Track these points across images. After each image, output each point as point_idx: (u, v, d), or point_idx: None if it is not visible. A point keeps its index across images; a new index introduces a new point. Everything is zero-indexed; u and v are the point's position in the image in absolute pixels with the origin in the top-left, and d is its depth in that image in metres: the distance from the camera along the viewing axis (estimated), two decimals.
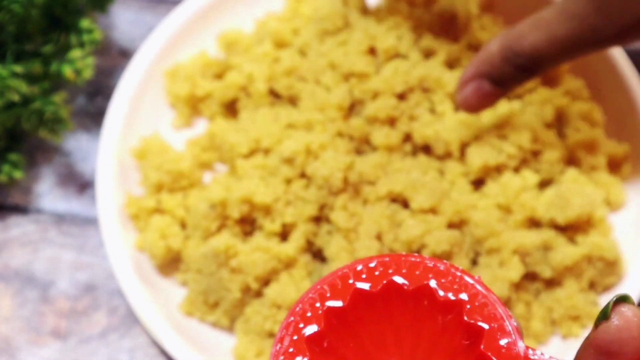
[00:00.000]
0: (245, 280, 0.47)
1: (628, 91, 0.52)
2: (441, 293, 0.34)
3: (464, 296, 0.34)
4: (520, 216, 0.48)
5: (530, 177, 0.49)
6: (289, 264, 0.48)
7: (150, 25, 0.60)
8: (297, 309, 0.33)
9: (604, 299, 0.48)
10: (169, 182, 0.51)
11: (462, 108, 0.47)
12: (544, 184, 0.51)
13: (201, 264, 0.48)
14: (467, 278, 0.34)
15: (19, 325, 0.52)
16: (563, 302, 0.47)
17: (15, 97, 0.50)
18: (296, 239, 0.48)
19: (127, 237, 0.50)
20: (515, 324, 0.32)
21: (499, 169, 0.50)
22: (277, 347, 0.32)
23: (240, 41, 0.55)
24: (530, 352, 0.32)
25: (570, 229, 0.49)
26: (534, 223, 0.49)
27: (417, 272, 0.34)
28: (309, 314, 0.33)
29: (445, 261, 0.34)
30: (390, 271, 0.34)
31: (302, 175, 0.49)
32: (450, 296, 0.34)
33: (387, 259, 0.34)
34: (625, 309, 0.25)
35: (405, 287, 0.34)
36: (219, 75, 0.55)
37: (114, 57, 0.60)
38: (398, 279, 0.34)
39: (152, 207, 0.51)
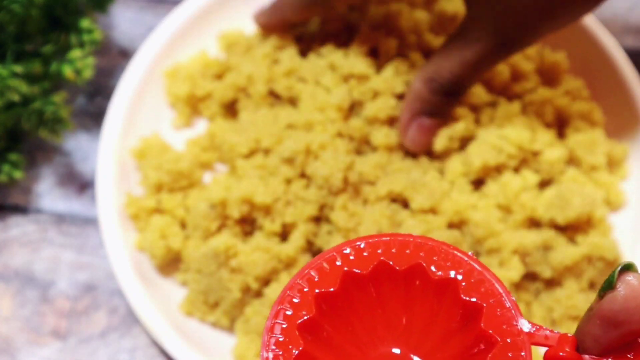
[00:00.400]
0: (246, 280, 0.47)
1: (628, 91, 0.52)
2: (434, 271, 0.32)
3: (458, 274, 0.32)
4: (520, 216, 0.48)
5: (530, 177, 0.49)
6: (289, 264, 0.48)
7: (150, 26, 0.60)
8: (286, 295, 0.32)
9: None
10: (169, 181, 0.51)
11: (413, 149, 0.50)
12: (544, 184, 0.51)
13: (201, 264, 0.48)
14: (460, 254, 0.32)
15: (19, 325, 0.52)
16: (563, 302, 0.47)
17: (16, 97, 0.50)
18: (296, 239, 0.48)
19: (127, 237, 0.50)
20: (514, 299, 0.31)
21: (498, 169, 0.50)
22: (268, 337, 0.31)
23: (241, 42, 0.55)
24: (532, 326, 0.31)
25: (570, 229, 0.49)
26: (534, 223, 0.49)
27: (407, 251, 0.33)
28: (297, 300, 0.32)
29: (435, 239, 0.33)
30: (379, 251, 0.33)
31: (302, 175, 0.49)
32: (444, 274, 0.32)
33: (376, 239, 0.33)
34: (631, 278, 0.25)
35: (397, 268, 0.33)
36: (219, 76, 0.55)
37: (114, 57, 0.60)
38: (388, 260, 0.33)
39: (152, 207, 0.51)
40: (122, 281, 0.49)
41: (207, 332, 0.49)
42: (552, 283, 0.48)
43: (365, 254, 0.33)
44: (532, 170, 0.50)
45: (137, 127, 0.54)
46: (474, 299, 0.32)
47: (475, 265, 0.32)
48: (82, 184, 0.56)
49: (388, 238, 0.33)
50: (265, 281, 0.48)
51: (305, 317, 0.32)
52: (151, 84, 0.55)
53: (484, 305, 0.31)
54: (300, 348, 0.31)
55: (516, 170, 0.50)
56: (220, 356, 0.48)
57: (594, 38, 0.54)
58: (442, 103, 0.48)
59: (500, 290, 0.32)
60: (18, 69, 0.51)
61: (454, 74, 0.47)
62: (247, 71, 0.54)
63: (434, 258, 0.33)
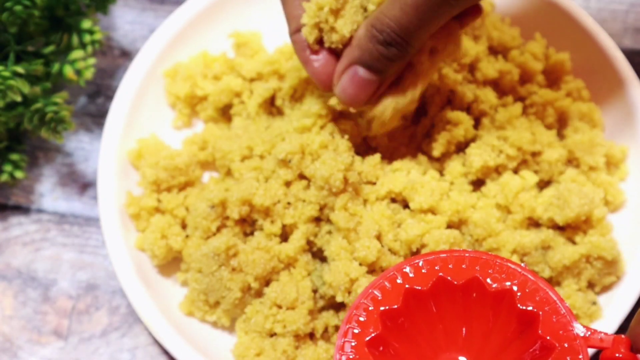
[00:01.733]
0: (246, 280, 0.47)
1: (626, 92, 0.52)
2: (490, 283, 0.34)
3: (513, 284, 0.34)
4: (519, 216, 0.49)
5: (529, 177, 0.50)
6: (289, 264, 0.48)
7: (151, 27, 0.60)
8: (352, 314, 0.34)
9: (603, 299, 0.49)
10: (166, 178, 0.51)
11: (342, 101, 0.46)
12: (543, 184, 0.51)
13: (202, 263, 0.48)
14: (513, 267, 0.34)
15: (21, 325, 0.52)
16: None
17: (17, 98, 0.50)
18: (296, 239, 0.48)
19: (128, 237, 0.50)
20: (568, 305, 0.33)
21: (498, 170, 0.50)
22: (339, 355, 0.33)
23: (251, 44, 0.56)
24: (587, 330, 0.32)
25: (569, 229, 0.49)
26: (533, 223, 0.50)
27: (463, 266, 0.35)
28: (364, 319, 0.34)
29: (487, 252, 0.35)
30: (437, 268, 0.35)
31: (302, 176, 0.49)
32: (500, 286, 0.34)
33: (433, 256, 0.35)
34: None
35: (455, 283, 0.35)
36: (219, 76, 0.55)
37: (115, 58, 0.60)
38: (446, 275, 0.35)
39: (152, 207, 0.51)
40: (123, 281, 0.49)
41: (208, 332, 0.49)
42: (551, 282, 0.49)
43: (424, 271, 0.35)
44: (531, 171, 0.50)
45: (138, 127, 0.54)
46: (530, 308, 0.33)
47: (529, 276, 0.34)
48: (83, 184, 0.56)
49: (445, 255, 0.35)
50: (266, 281, 0.48)
51: (373, 334, 0.34)
52: (152, 84, 0.55)
53: (540, 313, 0.33)
54: None
55: (516, 170, 0.51)
56: (220, 356, 0.48)
57: (593, 39, 0.54)
58: (380, 54, 0.44)
59: (555, 298, 0.34)
60: (20, 69, 0.51)
61: (394, 20, 0.43)
62: (249, 75, 0.54)
63: (489, 271, 0.35)
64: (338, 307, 0.48)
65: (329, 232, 0.48)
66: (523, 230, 0.48)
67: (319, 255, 0.49)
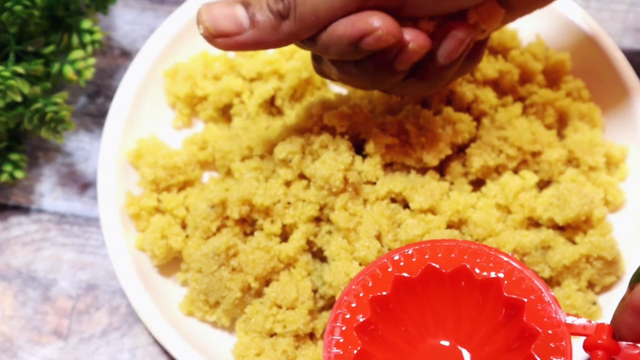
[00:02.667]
0: (246, 280, 0.47)
1: (626, 92, 0.52)
2: (478, 272, 0.35)
3: (500, 273, 0.35)
4: (519, 216, 0.49)
5: (529, 177, 0.50)
6: (289, 264, 0.48)
7: (151, 26, 0.60)
8: (343, 300, 0.35)
9: (603, 299, 0.49)
10: (165, 177, 0.51)
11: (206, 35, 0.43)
12: (543, 184, 0.51)
13: (202, 263, 0.48)
14: (500, 256, 0.35)
15: (21, 325, 0.52)
16: (562, 302, 0.47)
17: (17, 98, 0.50)
18: (296, 239, 0.48)
19: (128, 237, 0.50)
20: (552, 294, 0.34)
21: (498, 170, 0.50)
22: (329, 339, 0.34)
23: None
24: (571, 318, 0.33)
25: (569, 229, 0.49)
26: (533, 223, 0.50)
27: (452, 255, 0.36)
28: (354, 305, 0.35)
29: (477, 242, 0.36)
30: (426, 257, 0.36)
31: (302, 176, 0.49)
32: (487, 274, 0.35)
33: (423, 245, 0.36)
34: None
35: (443, 271, 0.36)
36: (219, 76, 0.55)
37: (115, 58, 0.60)
38: (435, 264, 0.36)
39: (152, 206, 0.51)
40: (123, 281, 0.49)
41: (207, 332, 0.49)
42: (551, 282, 0.49)
43: (413, 259, 0.36)
44: (531, 171, 0.50)
45: (138, 127, 0.54)
46: (515, 296, 0.34)
47: (516, 265, 0.35)
48: (83, 184, 0.56)
49: (435, 244, 0.36)
50: (266, 281, 0.48)
51: (362, 320, 0.35)
52: (152, 84, 0.55)
53: (525, 300, 0.34)
54: (359, 348, 0.34)
55: (516, 170, 0.51)
56: (220, 356, 0.48)
57: (593, 39, 0.54)
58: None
59: (540, 286, 0.35)
60: (20, 69, 0.51)
61: None
62: (249, 75, 0.54)
63: (477, 260, 0.36)
64: None
65: (329, 232, 0.48)
66: (523, 230, 0.48)
67: (319, 255, 0.49)
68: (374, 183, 0.49)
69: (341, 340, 0.34)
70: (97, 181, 0.52)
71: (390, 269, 0.36)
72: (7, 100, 0.50)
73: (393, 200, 0.49)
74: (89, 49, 0.54)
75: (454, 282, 0.36)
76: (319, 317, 0.48)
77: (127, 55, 0.60)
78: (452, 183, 0.50)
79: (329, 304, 0.48)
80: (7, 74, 0.50)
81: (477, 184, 0.51)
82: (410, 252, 0.36)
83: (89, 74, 0.54)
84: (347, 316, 0.35)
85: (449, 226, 0.48)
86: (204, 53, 0.56)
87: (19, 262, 0.54)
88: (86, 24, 0.54)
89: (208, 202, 0.49)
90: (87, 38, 0.54)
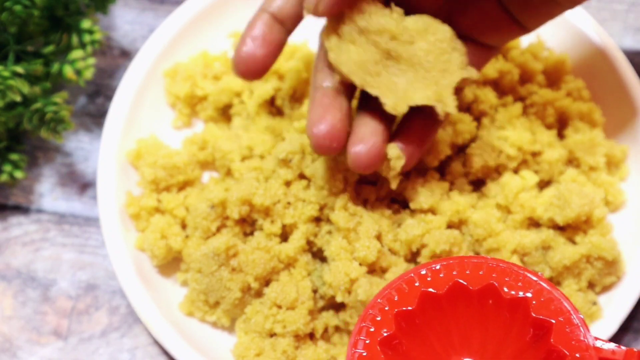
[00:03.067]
0: (246, 280, 0.47)
1: (627, 92, 0.52)
2: (506, 291, 0.35)
3: (528, 293, 0.34)
4: (519, 216, 0.49)
5: (529, 177, 0.50)
6: (289, 264, 0.48)
7: (151, 26, 0.60)
8: (368, 313, 0.35)
9: (603, 299, 0.49)
10: (165, 177, 0.51)
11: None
12: (543, 184, 0.51)
13: (201, 263, 0.48)
14: (529, 275, 0.35)
15: (20, 325, 0.52)
16: None
17: (17, 98, 0.50)
18: (296, 239, 0.48)
19: (128, 237, 0.50)
20: (582, 316, 0.33)
21: (498, 170, 0.50)
22: (352, 352, 0.34)
23: None
24: (599, 342, 0.33)
25: (570, 229, 0.49)
26: (533, 223, 0.50)
27: (480, 272, 0.35)
28: (379, 318, 0.35)
29: (506, 260, 0.35)
30: (454, 273, 0.35)
31: (302, 176, 0.49)
32: (516, 293, 0.35)
33: (451, 261, 0.36)
34: None
35: (470, 288, 0.35)
36: (219, 76, 0.55)
37: (115, 58, 0.60)
38: (462, 280, 0.35)
39: (152, 207, 0.51)
40: (122, 281, 0.49)
41: (207, 332, 0.49)
42: (551, 283, 0.49)
43: (441, 275, 0.36)
44: (531, 171, 0.50)
45: (137, 127, 0.54)
46: (544, 317, 0.34)
47: (545, 285, 0.35)
48: (83, 184, 0.56)
49: (463, 260, 0.36)
50: (266, 281, 0.48)
51: (386, 334, 0.34)
52: (152, 84, 0.55)
53: (554, 322, 0.34)
54: None
55: (516, 170, 0.51)
56: (220, 356, 0.48)
57: (593, 39, 0.54)
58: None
59: (569, 308, 0.34)
60: (19, 69, 0.51)
61: None
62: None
63: (506, 279, 0.35)
64: (338, 307, 0.48)
65: (329, 232, 0.48)
66: (523, 231, 0.48)
67: (319, 255, 0.49)
68: (374, 183, 0.49)
69: (364, 354, 0.34)
70: (96, 181, 0.52)
71: (416, 284, 0.35)
72: (7, 100, 0.50)
73: (393, 200, 0.49)
74: (89, 48, 0.54)
75: (481, 300, 0.36)
76: (319, 317, 0.48)
77: (127, 55, 0.60)
78: (452, 183, 0.50)
79: (329, 304, 0.48)
80: (6, 74, 0.50)
81: (477, 184, 0.51)
82: (437, 268, 0.35)
83: (88, 74, 0.54)
84: (372, 329, 0.34)
85: (449, 226, 0.48)
86: (203, 53, 0.56)
87: (18, 262, 0.53)
88: (86, 23, 0.54)
89: (208, 202, 0.49)
90: (87, 38, 0.54)
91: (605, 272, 0.48)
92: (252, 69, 0.44)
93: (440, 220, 0.47)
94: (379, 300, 0.35)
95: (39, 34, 0.54)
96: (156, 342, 0.51)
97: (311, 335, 0.48)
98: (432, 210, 0.48)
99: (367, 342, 0.34)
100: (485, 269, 0.35)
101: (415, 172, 0.49)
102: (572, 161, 0.52)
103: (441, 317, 0.36)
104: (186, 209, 0.51)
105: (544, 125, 0.52)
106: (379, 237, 0.47)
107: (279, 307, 0.47)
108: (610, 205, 0.51)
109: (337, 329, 0.48)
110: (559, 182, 0.50)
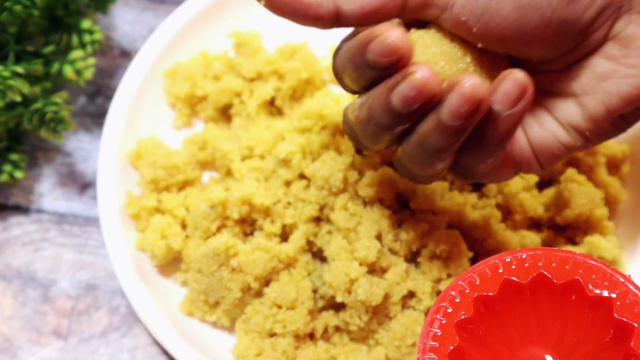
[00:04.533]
0: (246, 280, 0.47)
1: None
2: (591, 288, 0.34)
3: (613, 293, 0.34)
4: (519, 216, 0.49)
5: (529, 177, 0.50)
6: (289, 264, 0.48)
7: (151, 26, 0.60)
8: (448, 294, 0.34)
9: None
10: (164, 177, 0.51)
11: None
12: (543, 184, 0.51)
13: (202, 263, 0.48)
14: (617, 276, 0.34)
15: (20, 325, 0.52)
16: None
17: (17, 98, 0.50)
18: (296, 239, 0.48)
19: (128, 237, 0.50)
20: None
21: None
22: (427, 329, 0.33)
23: (250, 44, 0.56)
24: None
25: (570, 229, 0.49)
26: (533, 223, 0.50)
27: (566, 267, 0.35)
28: (458, 300, 0.34)
29: (595, 258, 0.34)
30: (540, 264, 0.35)
31: (302, 176, 0.49)
32: (600, 292, 0.34)
33: (538, 252, 0.35)
34: None
35: (555, 281, 0.35)
36: (219, 76, 0.55)
37: (115, 58, 0.60)
38: (547, 273, 0.35)
39: (152, 207, 0.51)
40: (122, 281, 0.49)
41: (207, 332, 0.49)
42: None
43: (526, 264, 0.35)
44: None
45: (137, 127, 0.54)
46: (627, 319, 0.33)
47: (631, 287, 0.34)
48: (83, 184, 0.56)
49: (550, 252, 0.35)
50: (266, 281, 0.48)
51: (464, 317, 0.34)
52: (152, 84, 0.55)
53: (636, 325, 0.33)
54: (456, 344, 0.33)
55: None
56: (220, 356, 0.48)
57: None
58: None
59: None
60: (19, 69, 0.51)
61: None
62: (249, 75, 0.54)
63: (592, 276, 0.34)
64: (338, 307, 0.48)
65: (329, 232, 0.48)
66: (523, 231, 0.48)
67: (319, 255, 0.49)
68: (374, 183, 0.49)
69: (439, 334, 0.33)
70: (96, 181, 0.52)
71: (500, 270, 0.35)
72: (7, 100, 0.50)
73: (393, 200, 0.49)
74: (89, 48, 0.54)
75: (564, 295, 0.35)
76: (319, 317, 0.48)
77: (126, 55, 0.60)
78: (452, 183, 0.50)
79: (329, 304, 0.48)
80: (6, 73, 0.50)
81: (477, 184, 0.51)
82: (523, 257, 0.35)
83: (88, 74, 0.54)
84: (449, 310, 0.34)
85: (449, 226, 0.48)
86: (203, 53, 0.56)
87: (18, 262, 0.53)
88: (86, 23, 0.54)
89: (208, 202, 0.49)
90: (87, 38, 0.54)
91: None
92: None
93: (440, 220, 0.47)
94: (460, 282, 0.35)
95: (39, 34, 0.54)
96: (156, 342, 0.51)
97: (311, 335, 0.48)
98: (432, 210, 0.48)
99: (444, 322, 0.34)
100: (572, 264, 0.35)
101: None
102: (572, 161, 0.52)
103: (521, 306, 0.36)
104: (186, 209, 0.51)
105: None
106: (379, 237, 0.47)
107: (279, 307, 0.47)
108: (610, 205, 0.51)
109: (337, 329, 0.48)
110: (559, 182, 0.50)
